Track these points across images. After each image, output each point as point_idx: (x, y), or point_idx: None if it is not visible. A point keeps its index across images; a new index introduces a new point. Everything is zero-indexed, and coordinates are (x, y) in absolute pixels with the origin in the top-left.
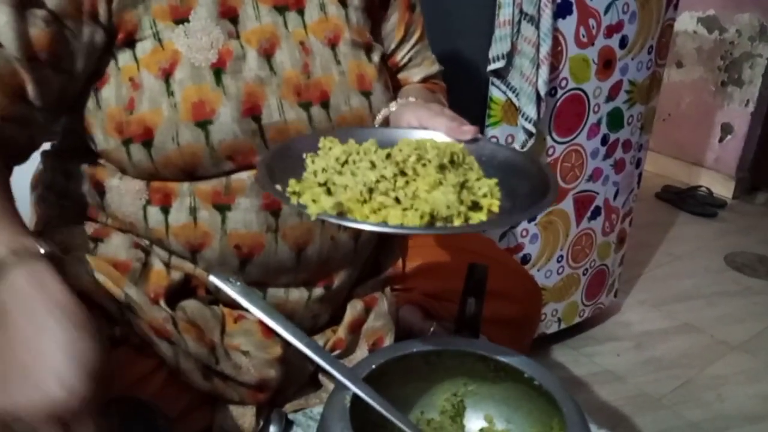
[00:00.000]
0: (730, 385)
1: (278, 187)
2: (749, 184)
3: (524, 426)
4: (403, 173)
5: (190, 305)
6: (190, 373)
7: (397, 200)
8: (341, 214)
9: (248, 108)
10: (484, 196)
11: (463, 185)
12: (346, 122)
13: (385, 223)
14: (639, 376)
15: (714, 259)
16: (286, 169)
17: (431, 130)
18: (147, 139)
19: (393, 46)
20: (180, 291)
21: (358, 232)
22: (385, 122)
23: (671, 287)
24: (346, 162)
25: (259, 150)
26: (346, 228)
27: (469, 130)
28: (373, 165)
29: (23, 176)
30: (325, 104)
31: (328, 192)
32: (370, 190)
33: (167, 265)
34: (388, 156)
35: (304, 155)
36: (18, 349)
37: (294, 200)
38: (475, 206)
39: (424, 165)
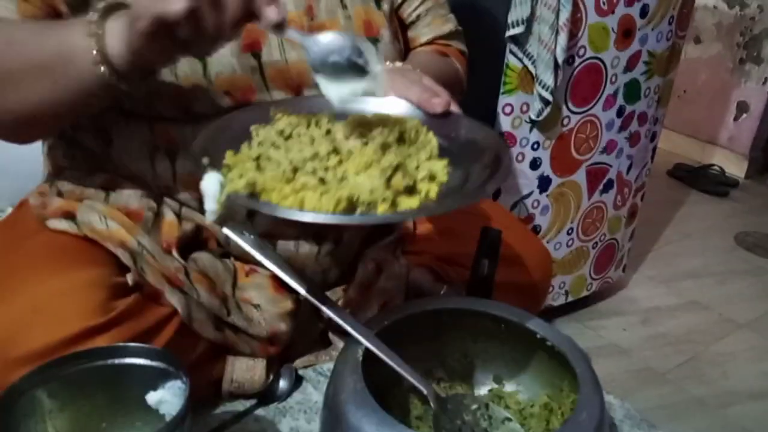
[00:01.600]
0: (735, 362)
1: (205, 160)
2: (762, 164)
3: (534, 387)
4: (336, 152)
5: (201, 257)
6: (202, 323)
7: (323, 181)
8: (252, 195)
9: (248, 44)
10: (424, 180)
11: (398, 168)
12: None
13: (294, 210)
14: (644, 351)
15: (724, 238)
16: (234, 139)
17: (403, 100)
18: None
19: (400, 0)
20: (191, 242)
21: None
22: None
23: (680, 264)
24: (290, 136)
25: (257, 88)
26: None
27: (439, 103)
28: (312, 141)
29: None
30: None
31: (258, 168)
32: (295, 169)
33: (178, 216)
34: (329, 132)
35: (252, 127)
36: None
37: (229, 158)
38: (412, 190)
39: (365, 143)
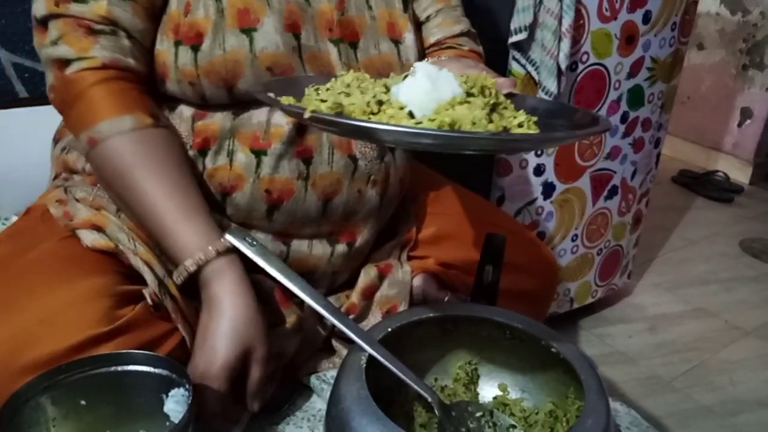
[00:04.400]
0: (743, 370)
1: (271, 94)
2: (767, 170)
3: (539, 394)
4: None
5: None
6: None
7: (411, 115)
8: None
9: (289, 24)
10: (520, 126)
11: (494, 108)
12: (374, 65)
13: (391, 124)
14: (651, 358)
15: (730, 244)
16: (286, 92)
17: None
18: (196, 43)
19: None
20: None
21: (385, 188)
22: None
23: (686, 271)
24: (355, 88)
25: (296, 67)
26: (372, 182)
27: (504, 83)
28: (388, 88)
29: (46, 131)
30: (353, 44)
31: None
32: (380, 102)
33: None
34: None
35: (306, 89)
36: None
37: (286, 101)
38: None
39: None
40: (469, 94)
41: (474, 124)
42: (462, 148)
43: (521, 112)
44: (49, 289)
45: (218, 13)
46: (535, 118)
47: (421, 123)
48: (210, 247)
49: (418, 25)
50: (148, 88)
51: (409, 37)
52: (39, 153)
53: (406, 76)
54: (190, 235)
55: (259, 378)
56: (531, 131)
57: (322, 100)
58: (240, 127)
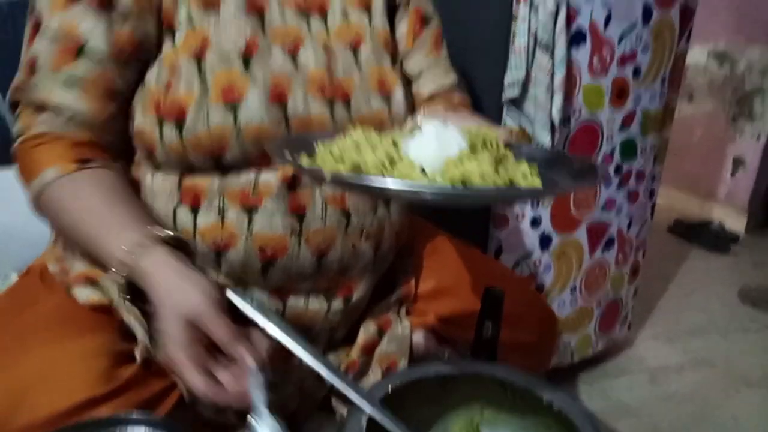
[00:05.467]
0: (747, 422)
1: (287, 154)
2: (762, 219)
3: None
4: None
5: None
6: (204, 406)
7: (423, 171)
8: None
9: (275, 95)
10: (524, 177)
11: (500, 161)
12: (366, 122)
13: (410, 182)
14: (654, 412)
15: (728, 293)
16: (297, 151)
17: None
18: (180, 119)
19: (401, 56)
20: None
21: (379, 242)
22: None
23: (685, 322)
24: (363, 145)
25: None
26: (365, 236)
27: (502, 133)
28: (396, 144)
29: None
30: (346, 103)
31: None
32: (393, 160)
33: None
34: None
35: (316, 143)
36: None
37: (305, 162)
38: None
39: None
40: (473, 147)
41: (482, 178)
42: (474, 204)
43: (523, 162)
44: (46, 348)
45: (202, 90)
46: (533, 168)
47: (434, 179)
48: (133, 242)
49: (408, 80)
50: (85, 143)
51: (399, 93)
52: None
53: (413, 132)
54: (113, 243)
55: (224, 334)
56: (535, 183)
57: (338, 159)
58: (228, 185)
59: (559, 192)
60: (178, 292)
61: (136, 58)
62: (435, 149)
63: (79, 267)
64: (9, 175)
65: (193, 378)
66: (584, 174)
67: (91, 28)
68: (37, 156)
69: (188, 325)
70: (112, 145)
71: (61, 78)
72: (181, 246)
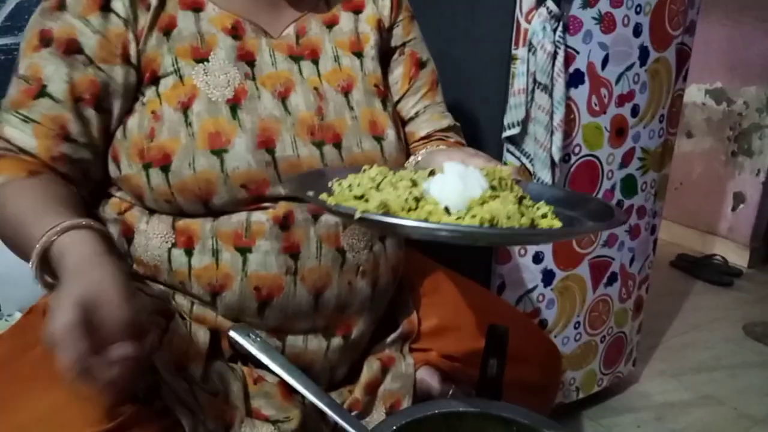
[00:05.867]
0: None
1: (310, 193)
2: (764, 253)
3: None
4: None
5: (213, 369)
6: None
7: (447, 211)
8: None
9: (262, 141)
10: (543, 216)
11: (520, 201)
12: (358, 163)
13: (444, 223)
14: None
15: (733, 329)
16: (311, 187)
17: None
18: (165, 164)
19: (397, 98)
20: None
21: (375, 278)
22: None
23: (690, 357)
24: (381, 182)
25: (272, 181)
26: (361, 272)
27: (507, 170)
28: (415, 183)
29: None
30: (337, 145)
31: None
32: (417, 199)
33: (189, 315)
34: (432, 173)
35: (330, 183)
36: None
37: (332, 201)
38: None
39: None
40: (493, 187)
41: (509, 218)
42: (501, 244)
43: (542, 203)
44: (48, 387)
45: (189, 137)
46: (551, 207)
47: (460, 218)
48: (50, 232)
49: (403, 122)
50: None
51: (391, 133)
52: None
53: (431, 172)
54: (37, 226)
55: (113, 323)
56: (555, 224)
57: (357, 197)
58: (221, 227)
59: (584, 233)
60: (82, 273)
61: (98, 103)
62: (459, 190)
63: None
64: None
65: (65, 357)
66: (600, 214)
67: (52, 73)
68: None
69: (80, 306)
70: (69, 179)
71: (20, 115)
72: (101, 234)
